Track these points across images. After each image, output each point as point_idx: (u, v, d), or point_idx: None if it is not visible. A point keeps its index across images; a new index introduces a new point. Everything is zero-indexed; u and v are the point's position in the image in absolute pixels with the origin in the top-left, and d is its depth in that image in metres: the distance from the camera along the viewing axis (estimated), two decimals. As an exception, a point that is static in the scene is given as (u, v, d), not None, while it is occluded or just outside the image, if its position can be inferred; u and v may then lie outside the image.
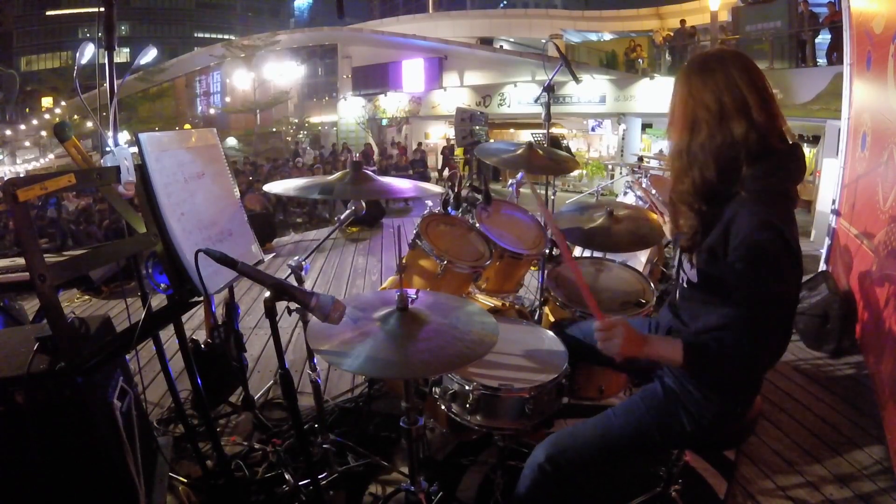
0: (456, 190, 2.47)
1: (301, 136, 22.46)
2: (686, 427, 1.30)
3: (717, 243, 1.19)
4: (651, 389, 1.37)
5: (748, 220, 1.13)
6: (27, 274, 1.32)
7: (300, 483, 1.83)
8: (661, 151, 11.50)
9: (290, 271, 1.78)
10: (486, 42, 19.99)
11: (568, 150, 11.77)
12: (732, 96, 1.15)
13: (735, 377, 1.24)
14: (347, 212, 1.93)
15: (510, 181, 3.31)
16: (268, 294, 1.19)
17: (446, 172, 13.65)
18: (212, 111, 26.41)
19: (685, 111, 1.22)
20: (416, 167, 14.16)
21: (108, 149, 1.47)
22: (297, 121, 22.44)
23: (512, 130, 17.23)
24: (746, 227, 1.13)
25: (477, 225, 2.28)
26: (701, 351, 1.18)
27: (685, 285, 1.35)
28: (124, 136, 1.66)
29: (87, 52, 1.76)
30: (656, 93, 12.75)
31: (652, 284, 2.19)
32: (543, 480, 1.34)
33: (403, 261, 2.12)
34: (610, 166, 13.48)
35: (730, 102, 1.15)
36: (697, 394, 1.29)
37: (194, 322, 3.40)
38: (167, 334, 1.71)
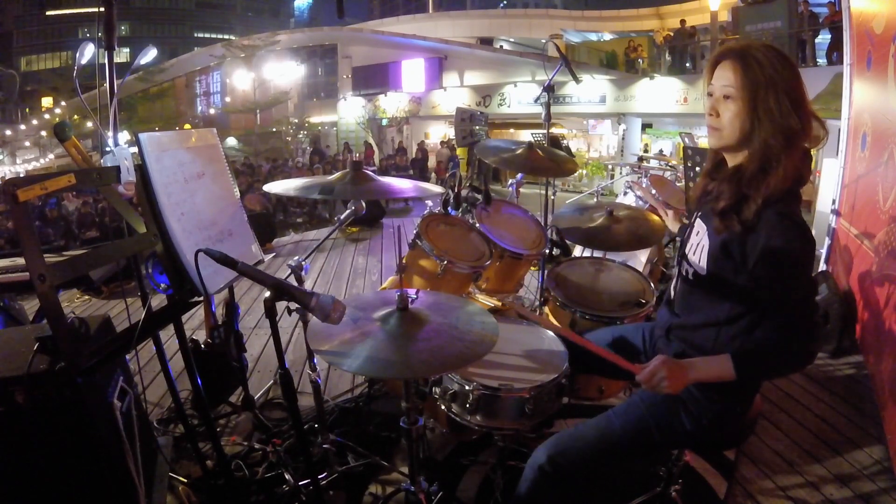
0: (456, 190, 2.47)
1: (301, 136, 22.44)
2: (686, 426, 1.30)
3: (731, 239, 1.19)
4: (651, 389, 1.37)
5: (772, 220, 1.14)
6: (27, 274, 1.32)
7: (300, 483, 1.83)
8: (660, 151, 11.51)
9: (290, 271, 1.78)
10: (486, 42, 20.01)
11: (568, 150, 11.75)
12: (801, 93, 1.15)
13: (782, 374, 1.26)
14: (347, 212, 1.93)
15: (510, 181, 3.31)
16: (268, 294, 1.19)
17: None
18: (212, 111, 26.35)
19: (798, 113, 1.15)
20: (417, 167, 14.15)
21: (108, 149, 1.47)
22: (297, 121, 22.41)
23: (512, 130, 17.22)
24: (771, 228, 1.13)
25: (477, 225, 2.28)
26: (749, 359, 1.19)
27: (690, 277, 1.33)
28: (124, 136, 1.66)
29: (87, 52, 1.76)
30: (656, 93, 12.75)
31: (652, 284, 2.19)
32: (544, 481, 1.34)
33: (403, 261, 2.12)
34: (610, 166, 13.48)
35: (800, 98, 1.15)
36: (698, 393, 1.29)
37: (194, 322, 3.40)
38: (167, 334, 1.71)
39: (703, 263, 1.27)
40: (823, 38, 9.65)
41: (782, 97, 1.14)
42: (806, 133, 1.16)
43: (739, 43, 1.22)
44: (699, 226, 1.33)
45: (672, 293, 1.43)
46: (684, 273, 1.37)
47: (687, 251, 1.36)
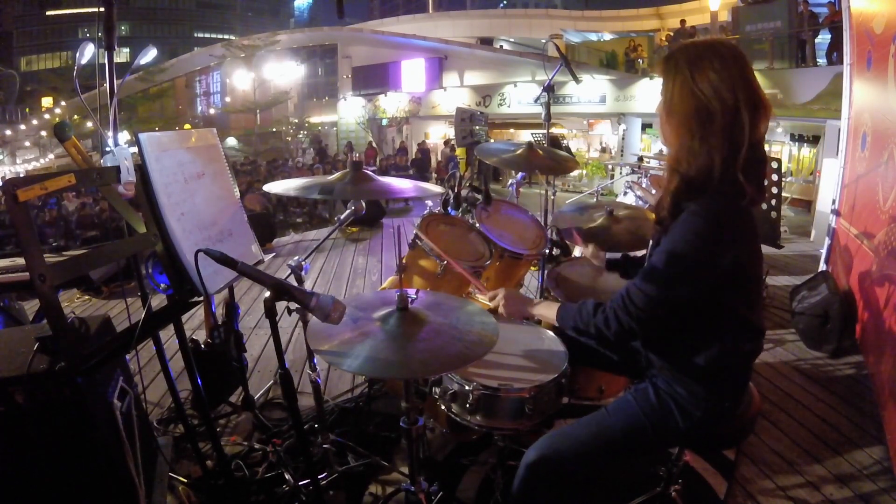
0: (456, 190, 2.47)
1: (301, 136, 22.45)
2: (679, 424, 1.30)
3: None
4: (643, 389, 1.37)
5: (681, 217, 1.16)
6: (27, 274, 1.32)
7: (300, 483, 1.83)
8: (660, 151, 11.51)
9: (290, 271, 1.78)
10: (486, 42, 19.99)
11: (568, 150, 11.76)
12: (747, 91, 1.13)
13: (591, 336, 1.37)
14: (347, 212, 1.93)
15: (510, 181, 3.31)
16: (268, 294, 1.19)
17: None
18: (212, 111, 26.36)
19: (696, 100, 1.14)
20: (416, 167, 14.14)
21: (108, 149, 1.47)
22: (297, 121, 22.42)
23: (512, 130, 17.23)
24: (675, 224, 1.17)
25: (477, 225, 2.27)
26: (568, 309, 1.41)
27: None
28: (124, 136, 1.66)
29: (87, 52, 1.76)
30: (656, 93, 12.64)
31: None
32: (536, 480, 1.33)
33: (403, 261, 2.12)
34: (610, 166, 13.48)
35: (744, 98, 1.13)
36: (684, 391, 1.29)
37: (194, 322, 3.40)
38: (167, 334, 1.71)
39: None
40: (823, 38, 9.63)
41: (683, 92, 1.16)
42: (712, 122, 1.13)
43: (679, 44, 1.26)
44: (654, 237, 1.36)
45: None
46: None
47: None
